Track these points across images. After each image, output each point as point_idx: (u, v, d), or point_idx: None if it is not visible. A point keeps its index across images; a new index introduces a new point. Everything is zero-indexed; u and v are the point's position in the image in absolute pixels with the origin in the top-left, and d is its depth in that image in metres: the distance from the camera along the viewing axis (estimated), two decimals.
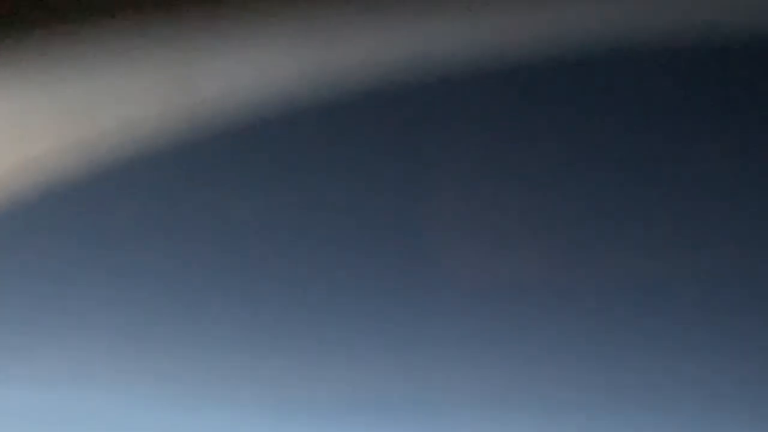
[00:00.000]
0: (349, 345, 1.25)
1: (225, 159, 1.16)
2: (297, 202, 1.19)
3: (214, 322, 1.26)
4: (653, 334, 1.20)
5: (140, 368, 1.27)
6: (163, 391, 1.27)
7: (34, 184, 1.12)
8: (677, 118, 1.13)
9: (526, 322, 1.23)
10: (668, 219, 1.17)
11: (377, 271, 1.22)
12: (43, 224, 1.18)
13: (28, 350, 1.27)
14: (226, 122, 1.10)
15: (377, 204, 1.19)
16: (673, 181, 1.16)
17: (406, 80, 1.08)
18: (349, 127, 1.14)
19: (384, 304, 1.23)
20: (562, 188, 1.17)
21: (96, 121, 1.10)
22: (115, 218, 1.20)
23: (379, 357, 1.26)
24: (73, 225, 1.20)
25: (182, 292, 1.24)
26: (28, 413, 1.26)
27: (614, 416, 1.22)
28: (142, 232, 1.21)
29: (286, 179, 1.18)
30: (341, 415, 1.27)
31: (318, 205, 1.19)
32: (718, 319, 1.18)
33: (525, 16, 1.06)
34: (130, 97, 1.09)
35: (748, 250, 1.16)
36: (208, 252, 1.22)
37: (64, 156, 1.11)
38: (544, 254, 1.20)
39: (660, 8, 1.08)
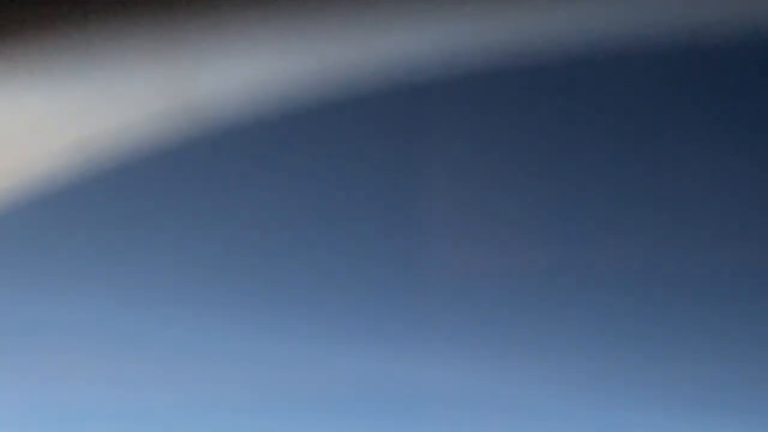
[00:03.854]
0: (346, 343, 1.26)
1: (224, 159, 1.16)
2: (296, 201, 1.19)
3: (212, 321, 1.26)
4: (653, 332, 1.21)
5: (138, 370, 1.27)
6: (161, 399, 1.27)
7: (33, 184, 1.12)
8: (675, 116, 1.14)
9: (521, 318, 1.23)
10: (666, 216, 1.17)
11: (376, 270, 1.22)
12: (42, 225, 1.18)
13: (26, 351, 1.27)
14: (226, 122, 1.10)
15: (377, 203, 1.19)
16: (670, 178, 1.16)
17: (407, 80, 1.08)
18: (349, 127, 1.14)
19: (383, 301, 1.23)
20: (561, 187, 1.18)
21: (95, 122, 1.10)
22: (114, 219, 1.20)
23: (374, 354, 1.26)
24: (73, 226, 1.20)
25: (182, 292, 1.24)
26: None
27: (612, 414, 1.22)
28: (141, 232, 1.21)
29: (285, 179, 1.18)
30: (333, 412, 1.27)
31: (318, 204, 1.19)
32: (716, 316, 1.19)
33: (523, 16, 1.07)
34: (130, 97, 1.09)
35: (748, 247, 1.16)
36: (208, 252, 1.22)
37: (63, 156, 1.11)
38: (541, 252, 1.21)
39: (658, 8, 1.08)
